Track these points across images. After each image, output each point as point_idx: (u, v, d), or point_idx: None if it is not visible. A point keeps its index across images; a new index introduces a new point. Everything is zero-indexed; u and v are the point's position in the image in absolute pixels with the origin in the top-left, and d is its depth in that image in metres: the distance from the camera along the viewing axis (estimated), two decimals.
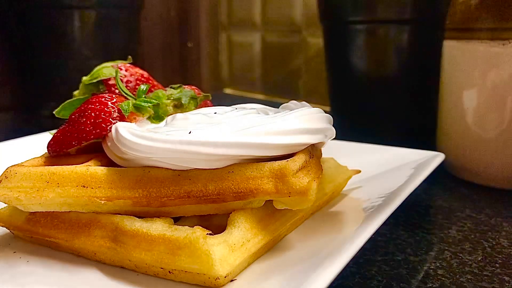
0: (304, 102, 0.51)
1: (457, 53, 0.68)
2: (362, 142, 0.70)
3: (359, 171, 0.58)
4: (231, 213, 0.41)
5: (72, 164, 0.44)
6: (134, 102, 0.47)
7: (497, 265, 0.47)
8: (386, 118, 0.88)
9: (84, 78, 0.57)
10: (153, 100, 0.48)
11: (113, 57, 0.58)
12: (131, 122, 0.46)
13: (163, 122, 0.48)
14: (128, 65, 0.57)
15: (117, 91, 0.51)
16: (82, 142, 0.45)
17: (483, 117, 0.65)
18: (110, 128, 0.44)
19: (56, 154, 0.46)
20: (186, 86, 0.54)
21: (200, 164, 0.41)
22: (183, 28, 1.51)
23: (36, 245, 0.46)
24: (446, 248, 0.50)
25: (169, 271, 0.39)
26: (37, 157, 0.48)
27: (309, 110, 0.46)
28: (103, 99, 0.46)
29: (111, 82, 0.53)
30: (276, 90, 1.50)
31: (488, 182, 0.67)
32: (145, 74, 0.57)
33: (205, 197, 0.40)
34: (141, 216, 0.42)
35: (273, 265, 0.41)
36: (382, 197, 0.50)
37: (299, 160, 0.41)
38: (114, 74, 0.52)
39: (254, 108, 0.50)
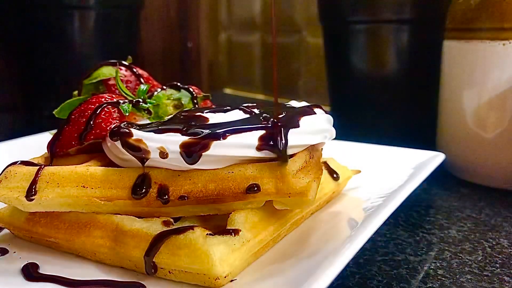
0: (304, 102, 0.51)
1: (457, 53, 0.68)
2: (362, 142, 0.70)
3: (359, 171, 0.58)
4: (231, 213, 0.41)
5: (72, 164, 0.44)
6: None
7: (497, 265, 0.47)
8: (386, 118, 0.88)
9: None
10: (153, 100, 0.48)
11: (113, 57, 0.58)
12: None
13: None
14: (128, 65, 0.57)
15: (117, 91, 0.51)
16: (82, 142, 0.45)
17: (483, 117, 0.65)
18: (110, 128, 0.44)
19: (56, 154, 0.46)
20: (186, 86, 0.54)
21: (200, 165, 0.41)
22: (183, 28, 1.51)
23: (36, 245, 0.46)
24: (446, 248, 0.50)
25: (169, 271, 0.39)
26: (37, 157, 0.48)
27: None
28: (103, 99, 0.46)
29: (111, 82, 0.53)
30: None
31: (488, 182, 0.67)
32: (145, 74, 0.57)
33: (205, 198, 0.40)
34: (141, 216, 0.42)
35: (273, 265, 0.41)
36: (382, 197, 0.50)
37: (299, 160, 0.41)
38: (114, 74, 0.52)
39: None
